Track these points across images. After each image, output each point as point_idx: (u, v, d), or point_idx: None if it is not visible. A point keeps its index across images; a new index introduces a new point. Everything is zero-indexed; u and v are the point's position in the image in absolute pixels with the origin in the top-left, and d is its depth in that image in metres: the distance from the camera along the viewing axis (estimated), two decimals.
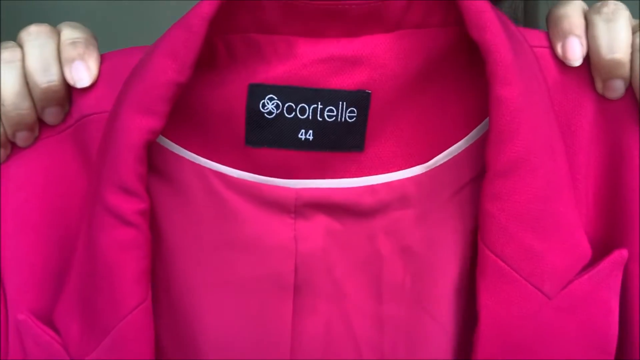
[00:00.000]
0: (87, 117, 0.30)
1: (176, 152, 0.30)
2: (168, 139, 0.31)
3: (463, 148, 0.31)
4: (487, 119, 0.30)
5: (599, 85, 0.30)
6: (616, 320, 0.30)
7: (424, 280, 0.31)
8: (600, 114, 0.30)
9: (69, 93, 0.30)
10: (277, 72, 0.29)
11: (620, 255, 0.30)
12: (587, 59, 0.30)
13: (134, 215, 0.27)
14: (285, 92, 0.29)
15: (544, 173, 0.28)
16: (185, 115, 0.30)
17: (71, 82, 0.29)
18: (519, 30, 0.30)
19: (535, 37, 0.30)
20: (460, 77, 0.30)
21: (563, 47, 0.29)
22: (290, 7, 0.28)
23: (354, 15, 0.28)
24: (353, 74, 0.29)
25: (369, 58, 0.29)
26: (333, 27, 0.28)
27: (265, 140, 0.30)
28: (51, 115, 0.30)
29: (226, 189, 0.30)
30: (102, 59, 0.31)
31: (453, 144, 0.31)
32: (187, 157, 0.31)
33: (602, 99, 0.30)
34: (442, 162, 0.31)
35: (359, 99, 0.29)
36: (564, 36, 0.29)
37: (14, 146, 0.30)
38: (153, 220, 0.30)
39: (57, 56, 0.29)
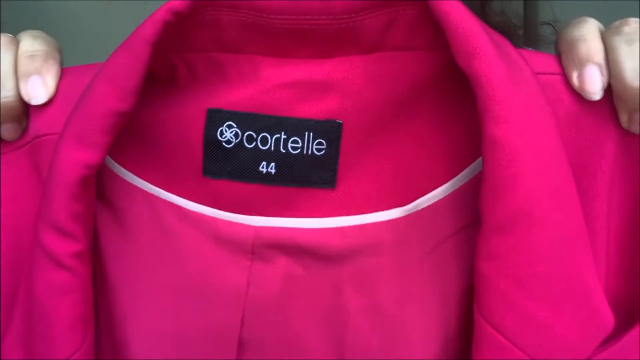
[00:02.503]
0: (41, 137, 0.28)
1: (127, 180, 0.28)
2: (120, 164, 0.28)
3: (450, 191, 0.26)
4: (478, 160, 0.26)
5: (624, 119, 0.25)
6: None
7: (394, 343, 0.27)
8: (624, 154, 0.25)
9: (26, 108, 0.28)
10: (238, 96, 0.26)
11: None
12: (608, 88, 0.25)
13: (68, 258, 0.25)
14: (245, 120, 0.26)
15: (551, 227, 0.23)
16: (140, 140, 0.27)
17: (26, 98, 0.27)
18: (520, 53, 0.25)
19: (542, 62, 0.26)
20: (450, 108, 0.26)
21: (580, 77, 0.25)
22: (251, 25, 0.24)
23: (325, 35, 0.24)
24: (322, 101, 0.25)
25: (341, 83, 0.25)
26: (302, 47, 0.25)
27: (224, 171, 0.27)
28: (7, 132, 0.28)
29: (179, 223, 0.27)
30: (62, 74, 0.28)
31: (438, 186, 0.27)
32: (139, 185, 0.28)
33: (626, 135, 0.25)
34: (424, 205, 0.27)
35: (329, 130, 0.26)
36: (581, 64, 0.25)
37: None
38: (99, 255, 0.28)
39: (14, 70, 0.27)
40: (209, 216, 0.27)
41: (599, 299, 0.24)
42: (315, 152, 0.26)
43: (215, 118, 0.26)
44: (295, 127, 0.26)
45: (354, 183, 0.27)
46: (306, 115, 0.25)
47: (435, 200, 0.26)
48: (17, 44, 0.28)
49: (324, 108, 0.25)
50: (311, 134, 0.26)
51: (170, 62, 0.26)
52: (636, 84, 0.24)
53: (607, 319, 0.24)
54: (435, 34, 0.25)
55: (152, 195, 0.28)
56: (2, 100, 0.27)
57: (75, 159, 0.24)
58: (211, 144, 0.26)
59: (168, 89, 0.27)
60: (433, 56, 0.25)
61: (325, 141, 0.26)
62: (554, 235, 0.23)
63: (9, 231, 0.29)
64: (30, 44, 0.28)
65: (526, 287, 0.23)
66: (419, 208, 0.27)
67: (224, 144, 0.26)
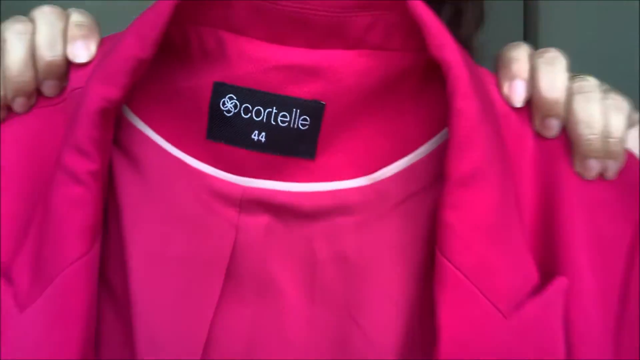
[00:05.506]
0: (76, 89, 0.33)
1: (144, 132, 0.33)
2: (142, 120, 0.33)
3: (405, 166, 0.32)
4: (435, 137, 0.32)
5: (537, 123, 0.32)
6: (562, 349, 0.30)
7: (355, 287, 0.32)
8: (538, 152, 0.32)
9: (67, 69, 0.33)
10: (239, 72, 0.31)
11: (562, 282, 0.30)
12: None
13: (84, 175, 0.30)
14: (243, 94, 0.31)
15: (499, 186, 0.29)
16: (159, 101, 0.33)
17: (70, 56, 0.32)
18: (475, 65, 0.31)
19: (484, 74, 0.32)
20: (413, 99, 0.31)
21: (509, 88, 0.32)
22: (257, 9, 0.29)
23: (316, 26, 0.29)
24: (309, 84, 0.30)
25: (326, 71, 0.30)
26: (296, 36, 0.30)
27: (222, 136, 0.32)
28: (49, 88, 0.33)
29: (181, 173, 0.32)
30: (102, 43, 0.33)
31: (397, 161, 0.32)
32: (153, 138, 0.33)
33: (540, 138, 0.32)
34: (387, 175, 0.32)
35: (313, 109, 0.31)
36: (512, 78, 0.32)
37: (10, 111, 0.33)
38: (113, 191, 0.33)
39: (64, 35, 0.32)
40: (206, 172, 0.32)
41: (528, 253, 0.30)
42: (300, 126, 0.31)
43: (220, 90, 0.31)
44: (285, 103, 0.31)
45: (330, 155, 0.32)
46: (295, 95, 0.30)
47: (397, 170, 0.32)
48: (67, 16, 0.33)
49: (311, 90, 0.30)
50: (298, 110, 0.31)
51: (186, 34, 0.31)
52: (549, 95, 0.31)
53: (534, 272, 0.30)
54: (405, 39, 0.30)
55: (162, 148, 0.33)
56: (51, 59, 0.32)
57: (99, 93, 0.29)
58: (215, 112, 0.31)
59: (183, 60, 0.32)
60: (402, 57, 0.30)
61: (310, 118, 0.31)
62: (501, 193, 0.29)
63: (39, 174, 0.33)
64: (79, 16, 0.33)
65: (482, 233, 0.29)
66: (384, 177, 0.32)
67: (224, 112, 0.31)
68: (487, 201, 0.29)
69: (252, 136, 0.31)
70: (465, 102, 0.28)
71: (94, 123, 0.29)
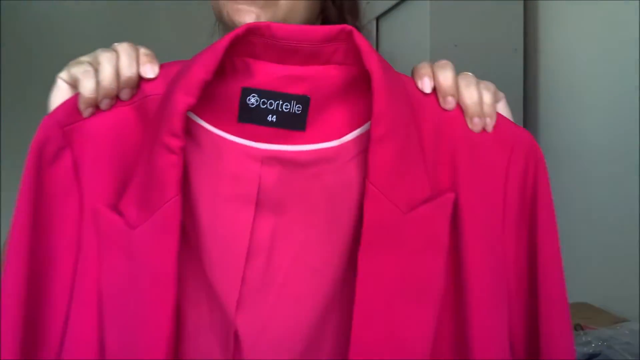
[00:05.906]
0: (148, 97, 0.53)
1: (200, 124, 0.53)
2: (198, 116, 0.53)
3: (361, 132, 0.54)
4: (365, 125, 0.53)
5: (441, 101, 0.54)
6: (447, 239, 0.51)
7: (331, 202, 0.53)
8: (444, 119, 0.54)
9: (138, 83, 0.53)
10: (258, 81, 0.51)
11: (450, 195, 0.53)
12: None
13: (177, 148, 0.49)
14: (261, 93, 0.52)
15: (401, 144, 0.50)
16: (209, 102, 0.53)
17: (142, 74, 0.52)
18: (397, 73, 0.52)
19: (404, 77, 0.54)
20: (363, 93, 0.53)
21: (421, 82, 0.54)
22: (267, 44, 0.50)
23: (302, 52, 0.50)
24: (300, 86, 0.51)
25: (310, 78, 0.51)
26: (291, 58, 0.51)
27: (248, 119, 0.52)
28: (125, 94, 0.53)
29: (223, 145, 0.53)
30: (160, 66, 0.54)
31: (350, 132, 0.54)
32: (205, 126, 0.53)
33: (443, 110, 0.53)
34: (349, 139, 0.53)
35: (303, 101, 0.52)
36: (421, 77, 0.54)
37: (97, 108, 0.53)
38: (186, 158, 0.53)
39: (137, 60, 0.53)
40: (239, 142, 0.53)
41: (423, 178, 0.52)
42: (296, 111, 0.52)
43: (246, 92, 0.52)
44: (287, 98, 0.52)
45: (314, 128, 0.53)
46: (292, 92, 0.51)
47: (353, 137, 0.54)
48: (137, 49, 0.54)
49: (301, 89, 0.51)
50: (294, 101, 0.52)
51: (223, 62, 0.51)
52: (445, 83, 0.53)
53: (427, 189, 0.52)
54: (355, 59, 0.51)
55: (209, 130, 0.53)
56: (129, 75, 0.52)
57: (183, 100, 0.49)
58: (243, 105, 0.52)
59: (219, 75, 0.52)
60: (355, 69, 0.52)
61: (301, 106, 0.52)
62: (403, 147, 0.50)
63: (120, 147, 0.53)
64: (145, 50, 0.54)
65: (388, 168, 0.50)
66: (345, 141, 0.53)
67: (249, 105, 0.52)
68: (392, 151, 0.50)
69: (268, 118, 0.52)
70: (378, 94, 0.49)
71: (182, 117, 0.49)
